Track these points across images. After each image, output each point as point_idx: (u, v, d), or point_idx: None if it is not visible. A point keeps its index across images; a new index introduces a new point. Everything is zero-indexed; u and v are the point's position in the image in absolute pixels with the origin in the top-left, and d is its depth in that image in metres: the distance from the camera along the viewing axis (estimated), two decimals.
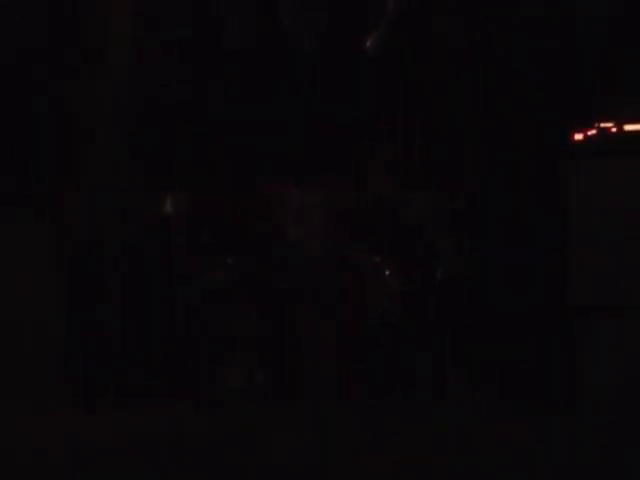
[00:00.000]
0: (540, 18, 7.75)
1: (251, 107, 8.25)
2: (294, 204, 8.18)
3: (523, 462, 5.68)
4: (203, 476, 5.58)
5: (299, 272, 7.87)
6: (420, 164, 8.04)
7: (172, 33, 8.22)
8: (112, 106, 8.14)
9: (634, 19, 7.66)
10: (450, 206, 7.88)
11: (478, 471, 5.59)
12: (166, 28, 8.22)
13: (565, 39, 7.77)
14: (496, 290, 7.74)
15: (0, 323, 7.54)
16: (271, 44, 8.21)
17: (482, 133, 7.97)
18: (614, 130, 7.57)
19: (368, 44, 8.09)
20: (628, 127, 7.52)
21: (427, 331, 7.69)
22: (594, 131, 7.60)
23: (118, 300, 7.94)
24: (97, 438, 6.32)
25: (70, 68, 8.14)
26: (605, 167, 7.50)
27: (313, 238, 8.03)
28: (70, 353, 7.78)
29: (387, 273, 7.81)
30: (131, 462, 5.69)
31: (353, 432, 6.52)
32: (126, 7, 8.16)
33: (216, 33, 8.21)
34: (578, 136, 7.66)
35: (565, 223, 7.62)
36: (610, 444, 5.97)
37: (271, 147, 8.21)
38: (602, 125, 7.57)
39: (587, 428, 6.57)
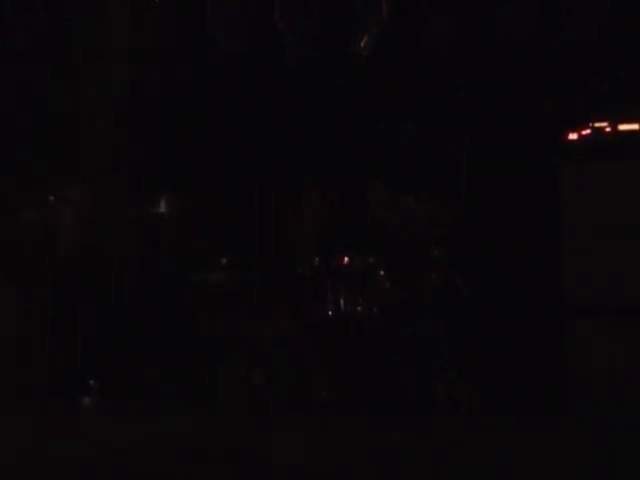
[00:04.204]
0: (535, 24, 7.81)
1: (243, 110, 8.30)
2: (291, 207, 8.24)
3: (518, 461, 5.71)
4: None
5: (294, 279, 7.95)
6: (414, 168, 8.10)
7: (170, 38, 8.29)
8: (108, 108, 8.21)
9: (624, 26, 7.72)
10: (445, 210, 7.93)
11: (476, 470, 5.62)
12: (163, 33, 8.28)
13: (558, 45, 7.83)
14: (489, 292, 7.79)
15: None
16: (266, 49, 8.25)
17: (476, 138, 8.03)
18: (608, 132, 7.62)
19: (360, 46, 8.12)
20: (622, 127, 7.57)
21: (420, 333, 7.72)
22: (588, 132, 7.66)
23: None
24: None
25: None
26: (599, 168, 7.57)
27: (308, 242, 8.09)
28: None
29: (381, 274, 7.84)
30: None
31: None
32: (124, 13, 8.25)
33: (212, 37, 8.25)
34: (572, 137, 7.72)
35: (559, 223, 7.69)
36: (602, 445, 6.00)
37: (265, 149, 8.27)
38: (596, 125, 7.63)
39: (579, 428, 6.63)
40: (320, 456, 5.82)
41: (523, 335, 7.62)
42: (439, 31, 7.99)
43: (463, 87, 7.96)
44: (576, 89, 7.77)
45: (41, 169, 8.10)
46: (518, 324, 7.65)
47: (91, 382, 7.85)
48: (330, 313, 7.72)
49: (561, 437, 6.31)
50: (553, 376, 7.49)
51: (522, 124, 7.81)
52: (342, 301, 7.74)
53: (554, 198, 7.68)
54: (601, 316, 7.44)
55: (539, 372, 7.53)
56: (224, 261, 8.10)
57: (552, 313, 7.69)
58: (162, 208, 8.30)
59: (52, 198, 8.26)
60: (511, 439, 6.20)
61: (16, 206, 8.17)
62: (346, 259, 7.85)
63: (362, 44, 8.07)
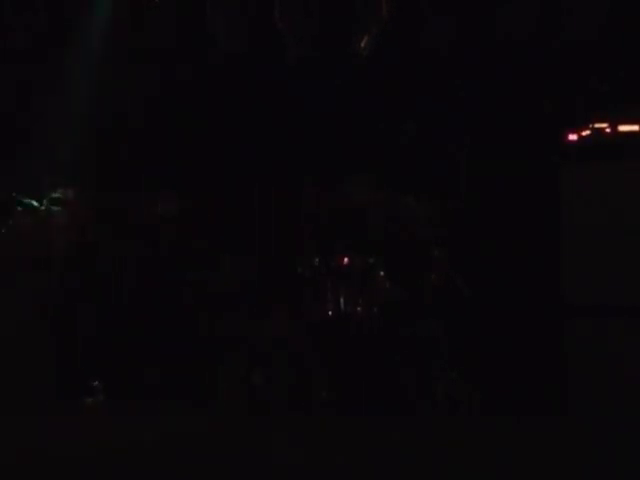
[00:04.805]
0: (535, 24, 7.80)
1: (243, 110, 8.30)
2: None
3: (518, 461, 5.71)
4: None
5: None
6: (414, 168, 8.09)
7: (170, 38, 8.31)
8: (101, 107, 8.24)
9: (624, 26, 7.72)
10: (445, 210, 7.93)
11: (476, 470, 5.62)
12: (163, 33, 8.31)
13: (558, 45, 7.83)
14: (489, 292, 7.79)
15: None
16: (266, 49, 8.25)
17: (476, 138, 8.03)
18: (608, 132, 7.62)
19: (361, 46, 8.12)
20: (622, 127, 7.57)
21: (420, 333, 7.72)
22: (588, 132, 7.66)
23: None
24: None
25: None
26: (599, 168, 7.57)
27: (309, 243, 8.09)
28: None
29: (381, 274, 7.84)
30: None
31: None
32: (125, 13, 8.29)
33: (212, 37, 8.26)
34: (572, 137, 7.72)
35: (559, 223, 7.69)
36: (602, 445, 6.00)
37: (265, 149, 8.27)
38: (596, 126, 7.63)
39: (579, 428, 6.63)
40: (320, 456, 5.82)
41: (523, 335, 7.61)
42: (439, 31, 7.98)
43: (463, 87, 7.96)
44: (576, 89, 7.77)
45: (39, 169, 8.11)
46: (518, 324, 7.64)
47: (91, 382, 7.85)
48: (330, 313, 7.71)
49: (561, 437, 6.31)
50: (553, 376, 7.48)
51: (522, 124, 7.81)
52: (342, 301, 7.73)
53: (554, 198, 7.68)
54: (601, 316, 7.43)
55: (539, 372, 7.52)
56: (224, 261, 8.09)
57: (552, 313, 7.68)
58: (162, 208, 8.30)
59: (52, 198, 8.25)
60: (511, 439, 6.20)
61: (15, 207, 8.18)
62: (346, 259, 7.84)
63: (362, 44, 8.07)
